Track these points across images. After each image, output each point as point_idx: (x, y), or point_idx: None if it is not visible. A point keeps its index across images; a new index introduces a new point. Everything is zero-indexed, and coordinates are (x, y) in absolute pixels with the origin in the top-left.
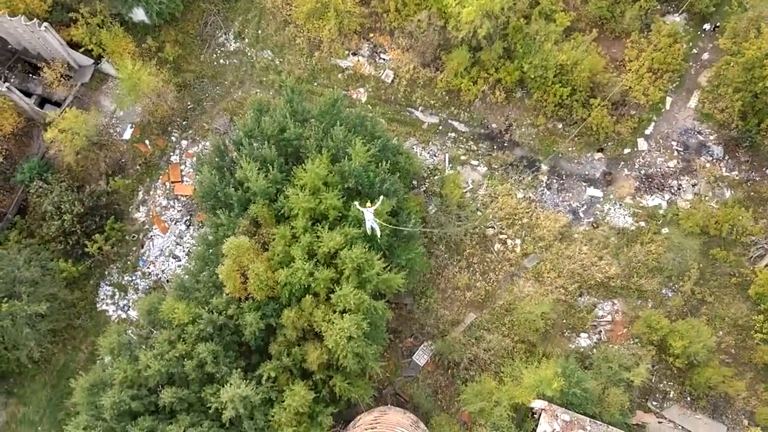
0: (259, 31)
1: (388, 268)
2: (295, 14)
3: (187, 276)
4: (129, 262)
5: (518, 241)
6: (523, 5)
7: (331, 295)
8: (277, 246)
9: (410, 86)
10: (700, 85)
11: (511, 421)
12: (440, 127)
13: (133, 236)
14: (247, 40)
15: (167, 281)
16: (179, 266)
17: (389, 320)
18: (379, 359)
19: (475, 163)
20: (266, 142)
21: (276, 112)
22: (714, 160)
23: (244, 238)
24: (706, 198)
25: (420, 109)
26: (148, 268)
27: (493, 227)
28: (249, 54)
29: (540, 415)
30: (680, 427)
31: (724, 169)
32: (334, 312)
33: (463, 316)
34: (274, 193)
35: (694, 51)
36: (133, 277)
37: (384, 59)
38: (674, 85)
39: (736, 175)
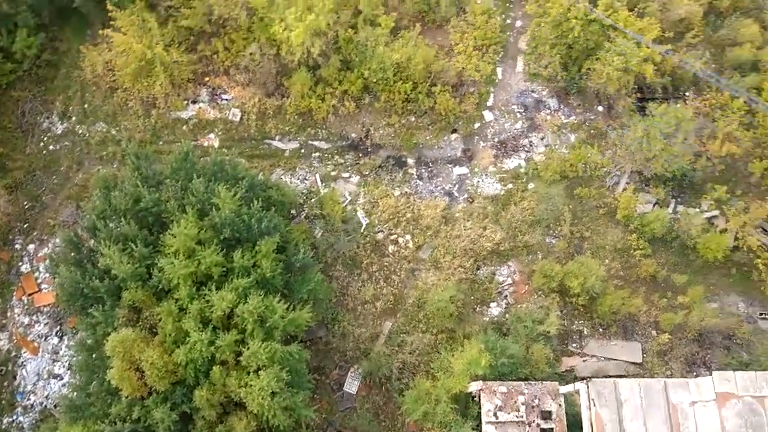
0: (86, 105)
1: (291, 307)
2: (121, 78)
3: (75, 393)
4: (4, 402)
5: (408, 237)
6: (347, 16)
7: (240, 358)
8: (166, 325)
9: (260, 119)
10: (522, 50)
11: (456, 414)
12: (302, 151)
13: (0, 370)
14: (74, 118)
15: (55, 407)
16: (64, 385)
17: (308, 360)
18: (311, 404)
19: (346, 175)
20: (122, 218)
21: (125, 184)
22: (552, 112)
23: (127, 330)
24: (556, 146)
25: (277, 138)
26: (28, 400)
27: (381, 231)
28: (80, 132)
29: (479, 396)
30: (602, 358)
31: (563, 117)
32: (249, 374)
33: (379, 328)
34: (146, 272)
35: (508, 21)
36: (14, 417)
37: (226, 99)
38: (500, 56)
39: (574, 119)
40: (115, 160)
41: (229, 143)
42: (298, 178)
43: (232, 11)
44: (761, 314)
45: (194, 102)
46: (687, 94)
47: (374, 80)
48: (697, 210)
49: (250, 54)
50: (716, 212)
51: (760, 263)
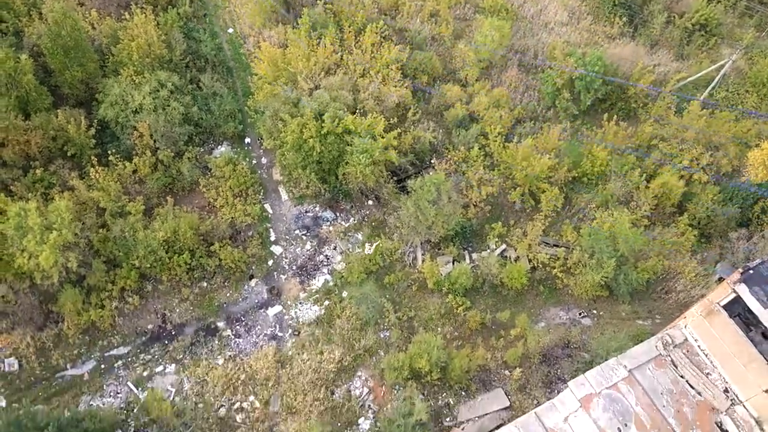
0: None
1: None
2: None
3: None
4: None
5: (252, 398)
6: (92, 219)
7: None
8: None
9: (42, 356)
10: (279, 180)
11: None
12: (102, 366)
13: None
14: None
15: None
16: None
17: None
18: None
19: (160, 368)
20: None
21: None
22: (332, 222)
23: None
24: (350, 249)
25: (68, 366)
26: None
27: (222, 405)
28: None
29: None
30: (476, 418)
31: (343, 223)
32: None
33: None
34: None
35: (254, 162)
36: None
37: None
38: (261, 194)
39: (353, 221)
40: None
41: (17, 396)
42: (110, 396)
43: None
44: (580, 314)
45: None
46: (432, 161)
47: (148, 266)
48: (488, 251)
49: (2, 297)
50: (503, 246)
51: (557, 272)
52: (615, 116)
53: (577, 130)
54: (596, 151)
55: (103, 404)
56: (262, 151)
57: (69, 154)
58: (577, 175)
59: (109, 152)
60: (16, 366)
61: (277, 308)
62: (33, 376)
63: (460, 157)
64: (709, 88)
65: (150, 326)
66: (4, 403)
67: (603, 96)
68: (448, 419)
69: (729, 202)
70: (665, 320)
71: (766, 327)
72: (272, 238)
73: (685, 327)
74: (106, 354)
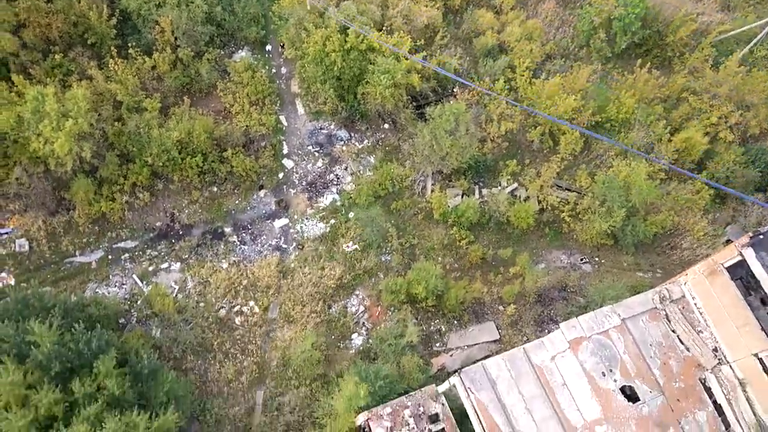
0: None
1: (153, 414)
2: None
3: None
4: None
5: (252, 303)
6: (109, 111)
7: None
8: None
9: (52, 240)
10: (297, 93)
11: None
12: (109, 257)
13: None
14: None
15: None
16: None
17: None
18: None
19: (165, 265)
20: None
21: None
22: (346, 142)
23: None
24: (360, 172)
25: (77, 253)
26: None
27: (222, 307)
28: None
29: (368, 425)
30: (465, 347)
31: (357, 144)
32: None
33: (252, 400)
34: None
35: (274, 71)
36: None
37: (7, 233)
38: (278, 104)
39: (368, 143)
40: None
41: (26, 276)
42: (115, 286)
43: None
44: (582, 259)
45: None
46: (455, 90)
47: (161, 164)
48: (499, 188)
49: (16, 179)
50: (515, 185)
51: (565, 216)
52: (648, 63)
53: (607, 73)
54: (624, 97)
55: (108, 293)
56: (282, 60)
57: (89, 42)
58: (600, 120)
59: (130, 45)
60: (27, 247)
61: (284, 221)
62: (42, 259)
63: (484, 87)
64: (751, 44)
65: (158, 224)
66: (13, 282)
67: (639, 40)
68: (438, 344)
69: (751, 165)
70: (666, 275)
71: (766, 293)
72: (285, 151)
73: (685, 284)
74: (114, 246)
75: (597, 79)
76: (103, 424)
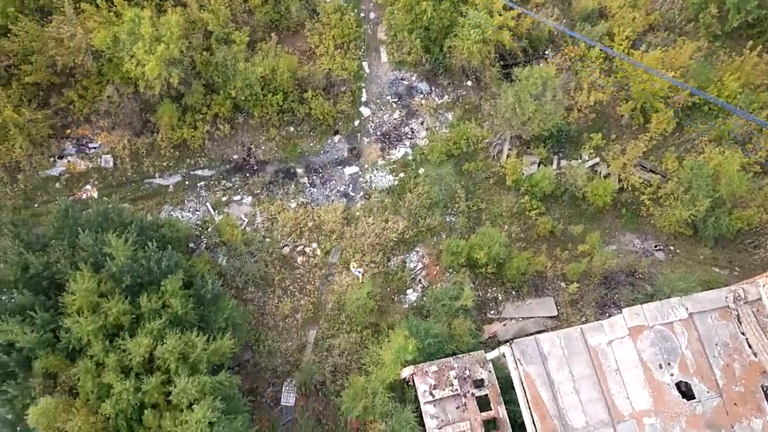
0: None
1: (211, 338)
2: None
3: None
4: None
5: (314, 245)
6: (199, 40)
7: (170, 397)
8: (86, 384)
9: (135, 160)
10: (382, 40)
11: (394, 401)
12: (186, 183)
13: None
14: None
15: None
16: None
17: (239, 384)
18: (251, 425)
19: (238, 197)
20: (14, 289)
21: (8, 255)
22: (425, 96)
23: (47, 399)
24: (436, 128)
25: (157, 175)
26: None
27: (287, 245)
28: None
29: (413, 380)
30: (520, 319)
31: (436, 99)
32: (182, 410)
33: (304, 338)
34: (52, 336)
35: (362, 15)
36: None
37: (95, 148)
38: (362, 50)
39: (448, 99)
40: None
41: (108, 191)
42: (189, 211)
43: (76, 58)
44: (656, 246)
45: (61, 157)
46: (546, 53)
47: (243, 98)
48: (579, 161)
49: (108, 97)
50: (597, 159)
51: (645, 199)
52: (760, 46)
53: (713, 52)
54: (728, 80)
55: (182, 217)
56: (372, 4)
57: None
58: (698, 101)
59: None
60: (111, 164)
61: (354, 169)
62: (125, 177)
63: (577, 54)
64: None
65: (235, 156)
66: (96, 195)
67: (753, 20)
68: (492, 312)
69: None
70: (744, 274)
71: None
72: (363, 99)
73: (764, 286)
74: (191, 172)
75: (701, 57)
76: (164, 339)
